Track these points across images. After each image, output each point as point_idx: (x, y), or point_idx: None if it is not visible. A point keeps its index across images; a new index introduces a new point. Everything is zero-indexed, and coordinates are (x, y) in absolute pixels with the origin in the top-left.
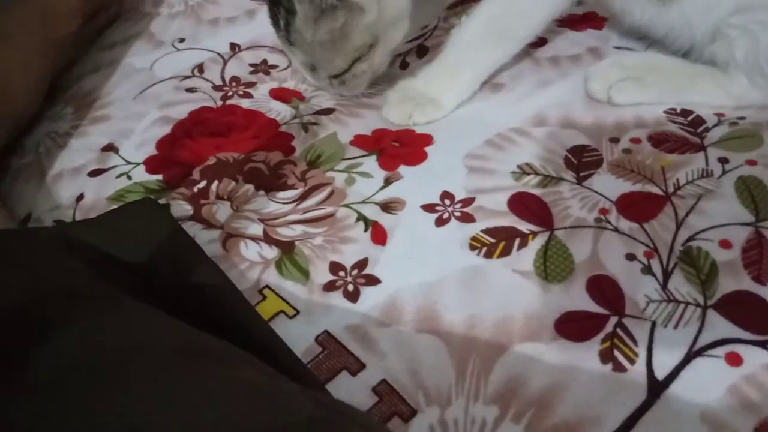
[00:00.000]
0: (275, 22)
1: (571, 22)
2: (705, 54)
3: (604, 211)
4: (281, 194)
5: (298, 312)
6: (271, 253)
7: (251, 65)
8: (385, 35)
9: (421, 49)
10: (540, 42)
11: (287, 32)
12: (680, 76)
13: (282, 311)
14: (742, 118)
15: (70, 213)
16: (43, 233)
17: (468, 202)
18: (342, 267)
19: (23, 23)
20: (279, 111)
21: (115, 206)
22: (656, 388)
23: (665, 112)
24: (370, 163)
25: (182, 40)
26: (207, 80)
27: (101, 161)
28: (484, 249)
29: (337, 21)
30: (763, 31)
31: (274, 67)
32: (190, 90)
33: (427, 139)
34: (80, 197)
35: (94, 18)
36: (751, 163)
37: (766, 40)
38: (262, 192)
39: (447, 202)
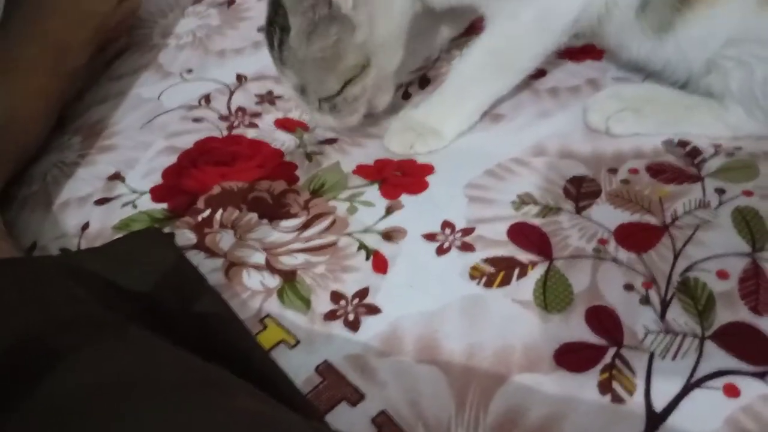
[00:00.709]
0: (270, 43)
1: (570, 53)
2: (702, 85)
3: (602, 242)
4: (284, 223)
5: (298, 342)
6: (273, 282)
7: (257, 96)
8: (377, 57)
9: (423, 79)
10: (539, 73)
11: (280, 52)
12: (677, 107)
13: (283, 341)
14: (739, 148)
15: (75, 242)
16: (49, 261)
17: (468, 231)
18: (343, 296)
19: (35, 56)
20: (283, 141)
21: (120, 235)
22: (654, 419)
23: (663, 142)
24: (372, 192)
25: (190, 71)
26: (213, 110)
27: (107, 190)
28: (484, 278)
29: (329, 38)
30: (757, 64)
31: (279, 97)
32: (197, 120)
33: (429, 169)
34: (86, 226)
35: (104, 50)
36: (748, 193)
37: (760, 73)
38: (265, 221)
39: (448, 231)
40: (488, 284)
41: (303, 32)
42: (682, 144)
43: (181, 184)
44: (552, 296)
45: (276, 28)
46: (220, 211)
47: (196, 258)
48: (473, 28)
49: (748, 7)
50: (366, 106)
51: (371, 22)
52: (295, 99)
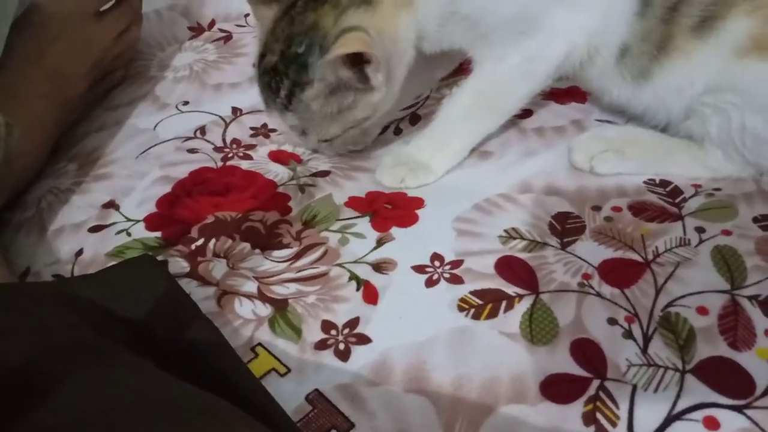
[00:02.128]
0: (271, 89)
1: (555, 95)
2: (681, 129)
3: (586, 276)
4: (276, 253)
5: (289, 370)
6: (265, 310)
7: (252, 128)
8: (382, 106)
9: (414, 117)
10: (526, 113)
11: (288, 101)
12: (658, 148)
13: (273, 369)
14: (718, 189)
15: (68, 268)
16: (43, 287)
17: (457, 264)
18: (334, 326)
19: (36, 86)
20: (277, 172)
21: (114, 262)
22: None
23: (645, 182)
24: (364, 224)
25: (186, 103)
26: (208, 142)
27: (102, 218)
28: (472, 310)
29: (347, 99)
30: (733, 110)
31: (273, 131)
32: (192, 151)
33: (419, 202)
34: (79, 252)
35: (102, 80)
36: (727, 233)
37: (736, 119)
38: (257, 250)
39: (437, 263)
40: (476, 316)
41: (323, 93)
42: (663, 184)
43: (175, 214)
44: (538, 329)
45: (283, 79)
46: (213, 240)
47: (189, 286)
48: (461, 68)
49: (723, 58)
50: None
51: (389, 84)
52: (294, 138)
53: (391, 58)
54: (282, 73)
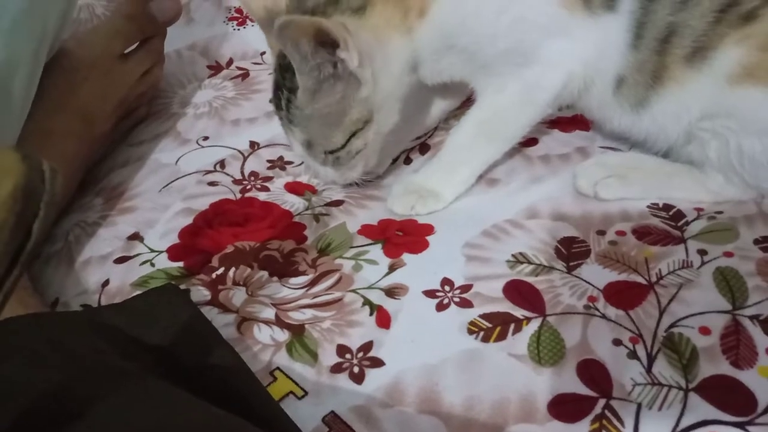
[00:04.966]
0: (278, 106)
1: (560, 123)
2: (683, 154)
3: (592, 299)
4: (293, 280)
5: (306, 393)
6: (283, 336)
7: (269, 161)
8: (379, 113)
9: (423, 146)
10: (531, 141)
11: (288, 112)
12: (660, 173)
13: (291, 392)
14: (720, 212)
15: (95, 298)
16: (73, 316)
17: (466, 288)
18: (348, 350)
19: (64, 125)
20: (293, 203)
21: (139, 292)
22: None
23: (648, 206)
24: (376, 251)
25: (206, 138)
26: (228, 175)
27: (127, 249)
28: (482, 333)
29: (335, 95)
30: (731, 135)
31: (289, 163)
32: (212, 183)
33: (429, 229)
34: (106, 283)
35: (126, 118)
36: (728, 254)
37: (734, 143)
38: (275, 278)
39: (447, 288)
40: (485, 339)
41: (309, 90)
42: (666, 208)
43: (196, 244)
44: (545, 350)
45: (284, 91)
46: (233, 269)
47: (210, 313)
48: (469, 100)
49: (717, 85)
50: (364, 162)
51: (375, 79)
52: (301, 155)
53: (375, 58)
54: (281, 86)
